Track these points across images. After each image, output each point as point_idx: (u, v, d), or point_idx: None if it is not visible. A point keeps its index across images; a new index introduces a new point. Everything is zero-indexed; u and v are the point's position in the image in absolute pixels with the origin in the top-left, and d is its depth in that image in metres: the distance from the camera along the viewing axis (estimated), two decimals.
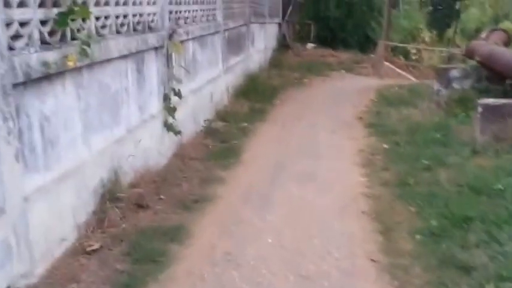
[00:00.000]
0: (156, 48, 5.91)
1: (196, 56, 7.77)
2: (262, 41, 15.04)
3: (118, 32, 4.97)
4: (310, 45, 19.46)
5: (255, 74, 12.73)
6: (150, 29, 5.78)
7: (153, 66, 5.85)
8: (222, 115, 8.72)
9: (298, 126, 8.67)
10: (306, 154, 6.91)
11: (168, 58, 6.27)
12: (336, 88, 13.04)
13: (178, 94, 6.37)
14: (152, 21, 5.85)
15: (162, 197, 5.07)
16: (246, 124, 8.44)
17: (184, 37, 6.99)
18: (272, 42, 17.16)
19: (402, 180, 5.54)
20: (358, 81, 14.68)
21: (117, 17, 4.96)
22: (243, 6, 12.00)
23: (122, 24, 5.08)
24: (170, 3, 6.51)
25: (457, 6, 18.17)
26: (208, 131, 7.65)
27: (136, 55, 5.34)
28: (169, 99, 6.22)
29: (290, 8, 19.76)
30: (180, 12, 7.00)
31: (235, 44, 11.00)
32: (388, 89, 12.44)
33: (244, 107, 9.73)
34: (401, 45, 21.64)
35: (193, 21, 7.68)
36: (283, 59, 16.71)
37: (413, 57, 24.01)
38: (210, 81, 8.59)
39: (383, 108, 9.88)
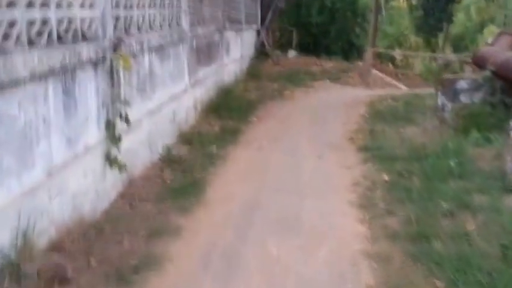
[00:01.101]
0: (95, 63, 4.63)
1: (154, 69, 6.49)
2: (239, 49, 13.80)
3: (31, 43, 3.68)
4: (291, 53, 18.29)
5: (229, 87, 11.48)
6: (85, 38, 4.50)
7: (90, 85, 4.56)
8: (187, 137, 7.44)
9: (278, 149, 7.42)
10: (287, 189, 5.65)
11: (113, 74, 4.98)
12: (321, 101, 11.83)
13: (125, 119, 5.08)
14: (89, 28, 4.57)
15: (92, 262, 3.76)
16: (215, 148, 7.16)
17: (136, 48, 5.71)
18: (250, 51, 15.94)
19: (416, 231, 4.27)
20: (345, 92, 13.49)
21: (31, 23, 3.68)
22: (216, 11, 10.75)
23: (40, 33, 3.80)
24: (116, 6, 5.23)
25: (449, 11, 17.08)
26: (168, 160, 6.35)
27: (63, 72, 4.05)
28: (114, 126, 4.93)
29: (269, 13, 18.54)
30: (131, 17, 5.72)
31: (205, 54, 9.74)
32: (380, 101, 11.26)
33: (215, 127, 8.47)
34: (392, 52, 20.54)
35: (150, 29, 6.40)
36: (262, 69, 15.50)
37: (400, 64, 23.03)
38: (172, 98, 7.31)
39: (377, 126, 8.66)
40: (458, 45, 27.03)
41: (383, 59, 21.04)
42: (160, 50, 6.71)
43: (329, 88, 14.01)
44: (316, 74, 15.83)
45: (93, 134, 4.61)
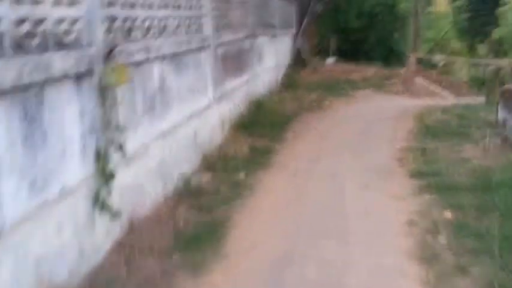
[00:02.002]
0: (77, 78, 3.53)
1: (167, 82, 5.39)
2: (273, 56, 12.66)
3: None
4: (330, 60, 17.07)
5: (262, 99, 10.34)
6: (62, 45, 3.41)
7: (68, 107, 3.47)
8: (211, 162, 6.31)
9: (316, 175, 6.22)
10: (328, 234, 4.44)
11: (104, 92, 3.88)
12: (364, 113, 10.57)
13: (121, 148, 3.97)
14: (68, 32, 3.48)
15: None
16: (242, 175, 6.02)
17: (141, 56, 4.62)
18: (285, 58, 14.78)
19: None
20: (388, 102, 12.19)
21: None
22: (245, 14, 9.63)
23: None
24: (110, 4, 4.14)
25: (496, 14, 15.58)
26: (185, 193, 5.23)
27: (24, 92, 2.96)
28: (106, 158, 3.83)
29: (306, 18, 17.40)
30: (134, 19, 4.62)
31: (234, 63, 8.63)
32: (428, 113, 9.93)
33: (245, 147, 7.31)
34: (435, 57, 19.08)
35: (162, 33, 5.30)
36: (298, 78, 14.33)
37: (442, 71, 21.50)
38: (192, 116, 6.21)
39: (429, 144, 7.41)
40: (497, 50, 25.35)
41: (424, 65, 19.61)
42: (175, 59, 5.61)
43: (371, 98, 12.73)
44: (356, 82, 14.58)
45: (75, 172, 3.51)
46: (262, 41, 11.24)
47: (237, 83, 8.81)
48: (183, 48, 5.89)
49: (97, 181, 3.73)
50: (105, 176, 3.76)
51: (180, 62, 5.79)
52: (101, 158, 3.76)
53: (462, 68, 20.80)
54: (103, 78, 3.79)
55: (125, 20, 4.40)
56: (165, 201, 4.98)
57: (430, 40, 29.22)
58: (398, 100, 12.62)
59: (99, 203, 3.70)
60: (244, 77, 9.43)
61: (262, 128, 8.41)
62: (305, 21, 17.29)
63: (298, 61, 15.90)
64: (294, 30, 16.49)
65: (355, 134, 8.46)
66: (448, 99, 13.65)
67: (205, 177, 5.79)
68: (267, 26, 11.89)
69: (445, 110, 10.30)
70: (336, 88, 13.31)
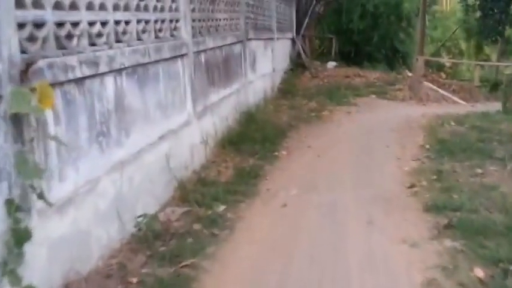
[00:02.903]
0: None
1: (127, 100, 4.43)
2: (269, 62, 11.70)
3: None
4: (331, 64, 16.09)
5: (256, 109, 9.39)
6: None
7: None
8: (186, 191, 5.34)
9: (310, 207, 5.24)
10: None
11: (18, 123, 2.93)
12: (367, 123, 9.58)
13: (41, 197, 3.01)
14: None
15: None
16: (221, 208, 5.05)
17: (86, 71, 3.66)
18: (284, 63, 13.82)
19: None
20: (394, 110, 11.20)
21: None
22: (236, 16, 8.68)
23: None
24: (28, 5, 3.18)
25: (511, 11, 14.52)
26: (147, 236, 4.25)
27: None
28: (20, 211, 2.88)
29: (306, 20, 16.46)
30: (77, 24, 3.67)
31: (221, 71, 7.67)
32: (441, 124, 8.97)
33: (229, 169, 6.39)
34: (444, 60, 18.13)
35: (121, 40, 4.35)
36: (297, 83, 13.39)
37: (449, 73, 20.46)
38: (164, 136, 5.26)
39: (444, 164, 6.44)
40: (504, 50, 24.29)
41: (432, 68, 18.62)
42: (138, 71, 4.66)
43: (375, 105, 11.74)
44: (359, 87, 13.60)
45: None
46: (256, 45, 10.28)
47: (225, 93, 7.86)
48: (151, 58, 4.93)
49: (6, 243, 2.78)
50: (17, 235, 2.80)
51: (145, 74, 4.84)
52: (12, 210, 2.81)
53: (473, 71, 19.74)
54: (15, 104, 2.83)
55: (60, 24, 3.45)
56: (121, 250, 4.02)
57: (436, 40, 28.21)
58: (404, 108, 11.64)
59: (7, 272, 2.74)
60: (234, 86, 8.47)
61: (252, 144, 7.46)
62: (305, 22, 16.33)
63: (298, 65, 14.95)
64: (293, 33, 15.52)
65: (357, 153, 7.47)
66: (459, 105, 12.65)
67: (176, 213, 4.82)
68: (262, 29, 10.94)
69: (458, 119, 9.32)
70: (337, 95, 12.33)
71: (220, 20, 7.68)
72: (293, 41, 15.34)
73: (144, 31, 4.86)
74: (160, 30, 5.32)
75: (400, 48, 22.61)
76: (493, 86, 16.46)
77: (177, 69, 5.82)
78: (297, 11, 16.17)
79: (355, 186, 5.87)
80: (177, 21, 5.85)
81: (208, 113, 6.94)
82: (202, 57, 6.80)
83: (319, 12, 17.25)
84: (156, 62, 5.11)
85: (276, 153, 7.35)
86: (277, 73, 12.64)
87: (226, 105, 7.86)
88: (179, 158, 5.64)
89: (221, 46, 7.70)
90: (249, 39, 9.52)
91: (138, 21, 4.73)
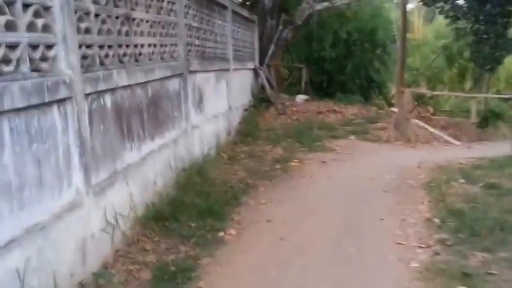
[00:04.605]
0: None
1: None
2: (223, 98, 9.50)
3: None
4: (300, 98, 13.99)
5: (202, 163, 7.11)
6: None
7: None
8: None
9: None
10: None
11: None
12: (349, 180, 7.37)
13: None
14: None
15: None
16: None
17: None
18: (243, 98, 11.62)
19: None
20: (381, 157, 9.05)
21: None
22: (171, 41, 6.46)
23: None
24: None
25: (508, 36, 12.62)
26: None
27: None
28: None
29: (272, 47, 14.35)
30: None
31: (144, 118, 5.41)
32: (446, 181, 6.81)
33: (147, 267, 4.10)
34: (434, 93, 16.24)
35: None
36: (261, 123, 11.22)
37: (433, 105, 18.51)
38: (18, 240, 2.96)
39: (469, 257, 4.28)
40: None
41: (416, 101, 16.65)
42: None
43: (356, 150, 9.57)
44: (335, 126, 11.47)
45: None
46: (204, 78, 8.06)
47: (153, 146, 5.59)
48: None
49: None
50: None
51: None
52: None
53: (470, 104, 17.82)
54: None
55: None
56: None
57: (412, 69, 26.45)
58: (393, 153, 9.51)
59: None
60: (169, 135, 6.20)
61: (189, 218, 5.22)
62: (270, 50, 14.21)
63: (261, 100, 12.76)
64: (255, 62, 13.38)
65: (338, 233, 5.23)
66: (454, 147, 10.60)
67: None
68: (212, 58, 8.74)
69: (466, 173, 7.21)
70: (308, 136, 10.16)
71: (142, 46, 5.44)
72: (256, 71, 13.19)
73: None
74: (6, 61, 3.08)
75: (375, 77, 20.83)
76: (483, 120, 14.54)
77: (50, 124, 3.55)
78: (260, 37, 14.07)
79: None
80: (48, 47, 3.60)
81: (120, 181, 4.66)
82: (108, 100, 4.55)
83: (286, 39, 15.19)
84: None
85: (221, 234, 5.09)
86: (235, 111, 10.42)
87: (154, 163, 5.58)
88: (53, 267, 3.35)
89: (145, 82, 5.45)
90: (192, 72, 7.29)
91: None
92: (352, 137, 10.64)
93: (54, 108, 3.64)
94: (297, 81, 17.04)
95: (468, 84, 23.10)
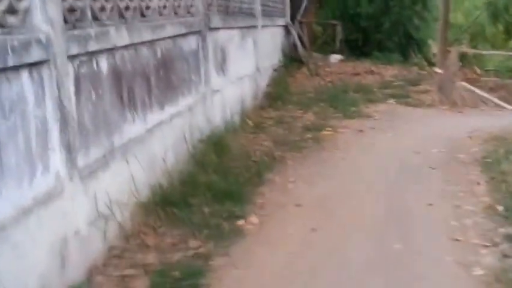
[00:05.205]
0: None
1: None
2: (250, 59, 8.60)
3: None
4: (335, 58, 12.95)
5: (224, 132, 6.31)
6: None
7: None
8: None
9: None
10: None
11: None
12: (388, 155, 6.44)
13: None
14: None
15: None
16: None
17: None
18: (273, 58, 10.69)
19: None
20: (425, 125, 8.10)
21: None
22: None
23: None
24: None
25: None
26: None
27: None
28: None
29: (304, 2, 13.26)
30: None
31: (152, 83, 4.59)
32: (505, 155, 5.85)
33: (146, 272, 3.35)
34: (492, 53, 14.90)
35: None
36: (291, 85, 10.31)
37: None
38: None
39: None
40: None
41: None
42: None
43: (397, 116, 8.61)
44: (372, 89, 10.48)
45: None
46: (228, 36, 7.17)
47: (162, 117, 4.79)
48: None
49: None
50: None
51: None
52: None
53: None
54: None
55: None
56: None
57: (455, 26, 24.86)
58: (438, 119, 8.54)
59: None
60: (184, 102, 5.38)
61: (203, 202, 4.45)
62: (303, 6, 13.14)
63: (292, 60, 11.79)
64: (286, 18, 12.35)
65: (380, 223, 4.37)
66: (506, 112, 9.54)
67: None
68: (237, 13, 7.80)
69: None
70: (343, 100, 9.23)
71: None
72: (287, 29, 12.17)
73: None
74: None
75: (414, 35, 19.48)
76: None
77: (16, 94, 2.75)
78: None
79: None
80: None
81: (118, 160, 3.88)
82: (103, 63, 3.73)
83: None
84: None
85: (241, 222, 4.28)
86: (264, 72, 9.51)
87: (163, 136, 4.79)
88: (16, 280, 2.61)
89: (152, 41, 4.61)
90: (213, 29, 6.40)
91: None
92: (391, 101, 9.65)
93: (24, 74, 2.85)
94: (331, 39, 15.96)
95: None
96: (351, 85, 10.51)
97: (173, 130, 5.02)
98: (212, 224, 4.14)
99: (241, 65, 7.90)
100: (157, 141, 4.61)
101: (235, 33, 7.59)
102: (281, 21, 11.77)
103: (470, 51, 14.06)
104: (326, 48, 15.04)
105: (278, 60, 11.15)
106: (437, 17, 18.15)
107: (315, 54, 13.02)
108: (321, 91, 10.05)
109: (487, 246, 3.78)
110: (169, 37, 5.01)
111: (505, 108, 10.04)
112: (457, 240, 3.92)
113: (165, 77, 4.91)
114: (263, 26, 9.41)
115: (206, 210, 4.34)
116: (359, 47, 16.41)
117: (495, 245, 3.79)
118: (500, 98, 11.02)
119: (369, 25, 17.03)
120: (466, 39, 23.07)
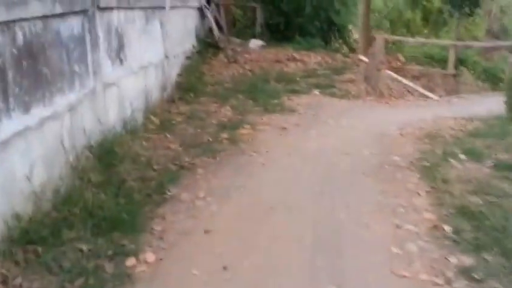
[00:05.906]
0: None
1: None
2: (157, 44, 7.52)
3: None
4: (255, 43, 12.04)
5: (117, 136, 5.22)
6: None
7: None
8: None
9: None
10: None
11: None
12: (315, 158, 5.57)
13: None
14: None
15: None
16: None
17: None
18: (185, 43, 9.62)
19: None
20: (353, 118, 7.36)
21: None
22: None
23: None
24: None
25: None
26: None
27: None
28: None
29: None
30: None
31: (9, 78, 3.44)
32: (443, 158, 5.18)
33: None
34: (418, 41, 14.52)
35: None
36: (206, 74, 9.29)
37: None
38: None
39: None
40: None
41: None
42: None
43: (323, 109, 7.83)
44: (296, 78, 9.67)
45: None
46: (125, 18, 6.05)
47: (27, 122, 3.66)
48: None
49: None
50: None
51: None
52: None
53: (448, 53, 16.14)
54: None
55: None
56: None
57: (374, 12, 24.60)
58: (366, 112, 7.84)
59: None
60: (61, 102, 4.25)
61: (81, 235, 3.40)
62: None
63: (208, 46, 10.76)
64: (200, 1, 11.28)
65: (306, 256, 3.44)
66: (437, 104, 9.01)
67: None
68: None
69: (463, 143, 5.74)
70: (264, 92, 8.34)
71: None
72: (201, 11, 11.11)
73: None
74: None
75: (335, 20, 19.03)
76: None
77: None
78: None
79: None
80: None
81: None
82: None
83: None
84: None
85: (130, 263, 3.28)
86: (174, 60, 8.43)
87: (28, 147, 3.67)
88: None
89: (9, 22, 3.47)
90: (105, 8, 5.28)
91: None
92: (316, 91, 8.87)
93: None
94: (251, 23, 15.07)
95: (429, 29, 21.45)
96: (272, 74, 9.64)
97: (44, 138, 3.90)
98: (90, 268, 3.11)
99: (146, 51, 6.81)
100: (17, 155, 3.50)
101: (136, 14, 6.48)
102: (195, 2, 10.69)
103: (393, 38, 13.53)
104: (246, 32, 14.15)
105: (192, 46, 10.08)
106: (357, 1, 17.75)
107: (234, 39, 12.07)
108: (239, 80, 9.12)
109: (439, 285, 2.98)
110: (37, 17, 3.88)
111: (429, 97, 9.55)
112: (403, 276, 3.10)
113: (32, 71, 3.78)
114: (172, 7, 8.30)
115: (84, 247, 3.30)
116: (281, 31, 15.66)
117: (448, 282, 3.00)
118: (423, 87, 10.60)
119: (290, 9, 16.32)
120: (385, 25, 22.90)
